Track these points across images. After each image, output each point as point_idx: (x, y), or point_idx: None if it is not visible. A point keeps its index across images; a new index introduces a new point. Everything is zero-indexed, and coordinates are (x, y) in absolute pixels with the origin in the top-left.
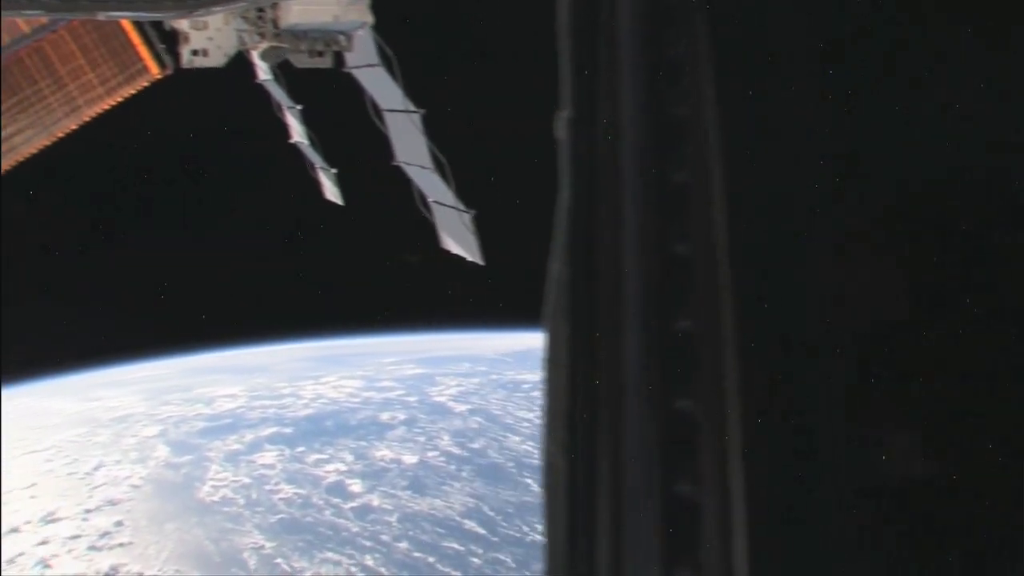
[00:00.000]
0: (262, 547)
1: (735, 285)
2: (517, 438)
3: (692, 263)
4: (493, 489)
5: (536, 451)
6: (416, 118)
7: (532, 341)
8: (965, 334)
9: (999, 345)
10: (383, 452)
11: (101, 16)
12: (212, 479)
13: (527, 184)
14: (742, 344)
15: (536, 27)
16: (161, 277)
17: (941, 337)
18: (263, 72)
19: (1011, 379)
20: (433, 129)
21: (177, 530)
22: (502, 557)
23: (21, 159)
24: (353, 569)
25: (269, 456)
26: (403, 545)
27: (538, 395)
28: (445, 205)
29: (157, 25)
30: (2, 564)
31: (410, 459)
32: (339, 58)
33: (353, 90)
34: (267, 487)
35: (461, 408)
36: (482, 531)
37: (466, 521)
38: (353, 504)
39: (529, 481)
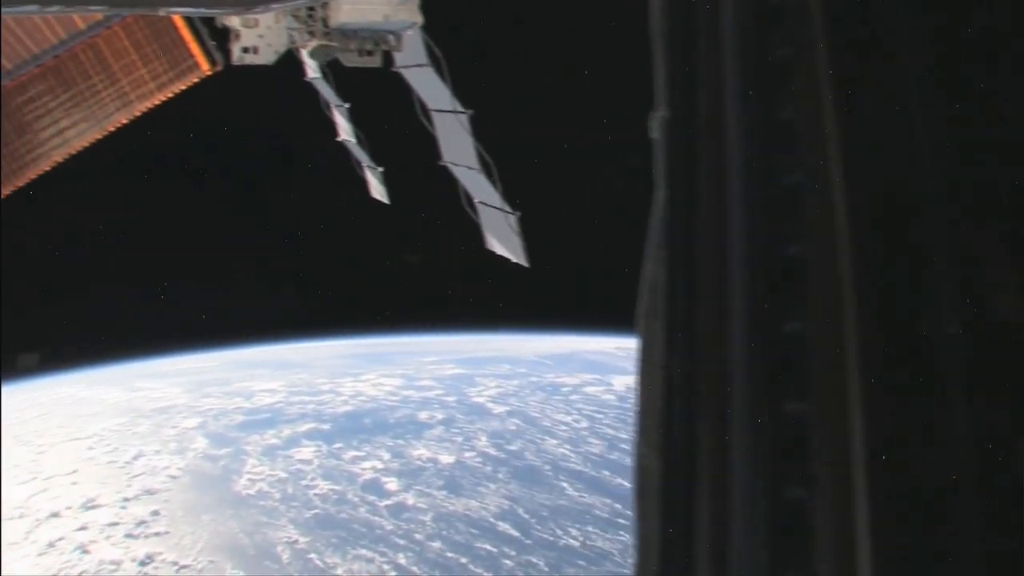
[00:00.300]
0: (296, 541)
1: (856, 286)
2: (554, 441)
3: (806, 264)
4: (528, 492)
5: (573, 455)
6: (464, 119)
7: (573, 344)
8: None
9: None
10: (420, 451)
11: (162, 11)
12: (249, 472)
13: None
14: (863, 346)
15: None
16: (204, 271)
17: None
18: (312, 70)
19: None
20: (481, 130)
21: (212, 521)
22: (535, 560)
23: (73, 152)
24: (385, 567)
25: (306, 451)
26: (436, 545)
27: (577, 399)
28: (491, 206)
29: (208, 22)
30: (2, 563)
31: (447, 459)
32: (388, 57)
33: (401, 89)
34: (303, 482)
35: (499, 409)
36: (516, 533)
37: (500, 523)
38: (388, 502)
39: (565, 485)
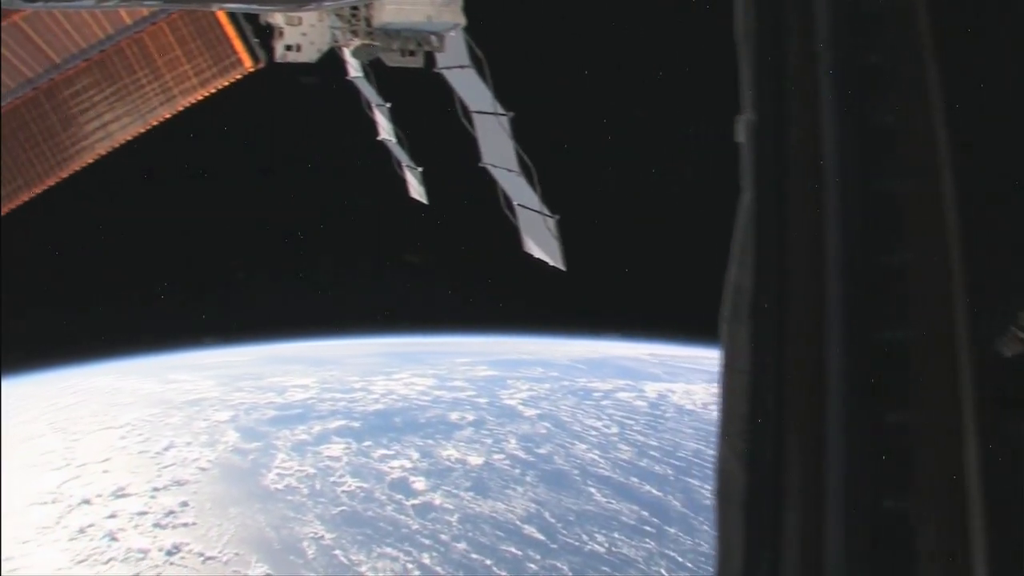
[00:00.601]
0: (321, 537)
1: (968, 294)
2: (584, 446)
3: (907, 272)
4: (556, 496)
5: (601, 460)
6: (504, 121)
7: (606, 349)
8: None
9: None
10: (449, 452)
11: (214, 7)
12: (278, 467)
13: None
14: (975, 355)
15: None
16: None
17: None
18: (354, 69)
19: None
20: (522, 132)
21: (240, 515)
22: (559, 565)
23: (116, 145)
24: (410, 566)
25: (336, 448)
26: (461, 546)
27: (608, 404)
28: (530, 209)
29: (252, 19)
30: (2, 562)
31: (475, 460)
32: (430, 58)
33: (443, 90)
34: (331, 479)
35: (530, 412)
36: (541, 537)
37: (526, 526)
38: (415, 501)
39: (592, 490)
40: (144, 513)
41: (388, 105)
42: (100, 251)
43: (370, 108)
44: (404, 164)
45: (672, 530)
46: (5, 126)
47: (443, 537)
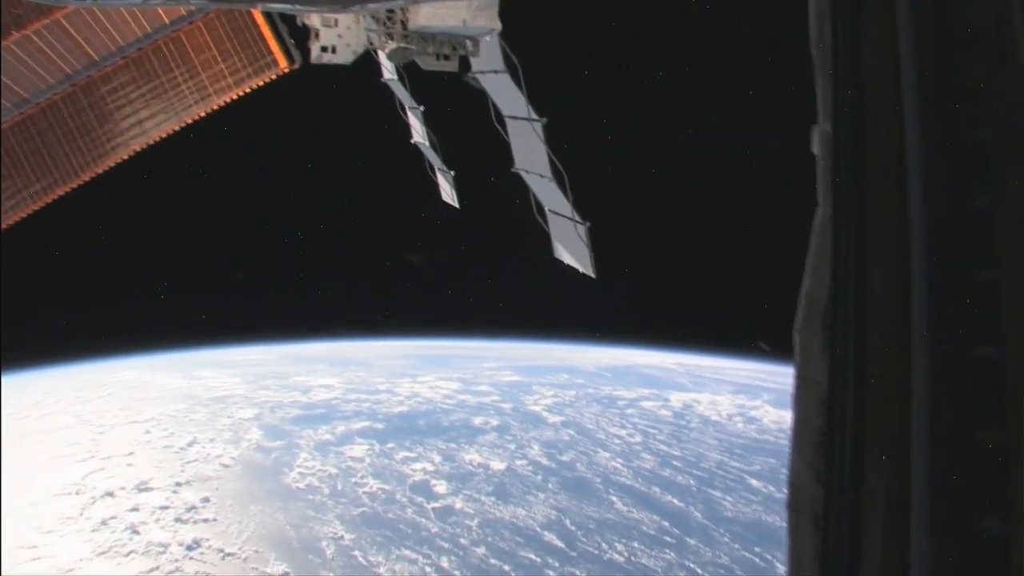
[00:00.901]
0: (341, 538)
1: None
2: (607, 454)
3: (998, 287)
4: (577, 503)
5: (624, 469)
6: (538, 126)
7: (633, 357)
8: None
9: None
10: (472, 456)
11: (259, 7)
12: (300, 466)
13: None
14: None
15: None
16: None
17: None
18: (388, 71)
19: None
20: (554, 137)
21: (260, 512)
22: (578, 573)
23: (151, 142)
24: (428, 569)
25: (358, 449)
26: (480, 550)
27: (633, 413)
28: (561, 215)
29: (289, 20)
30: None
31: (498, 465)
32: (465, 62)
33: (476, 94)
34: (353, 479)
35: (554, 419)
36: (561, 544)
37: (546, 533)
38: (436, 504)
39: (614, 498)
40: (166, 507)
41: (422, 108)
42: (134, 247)
43: (404, 111)
44: (437, 167)
45: (692, 541)
46: (41, 122)
47: (462, 541)
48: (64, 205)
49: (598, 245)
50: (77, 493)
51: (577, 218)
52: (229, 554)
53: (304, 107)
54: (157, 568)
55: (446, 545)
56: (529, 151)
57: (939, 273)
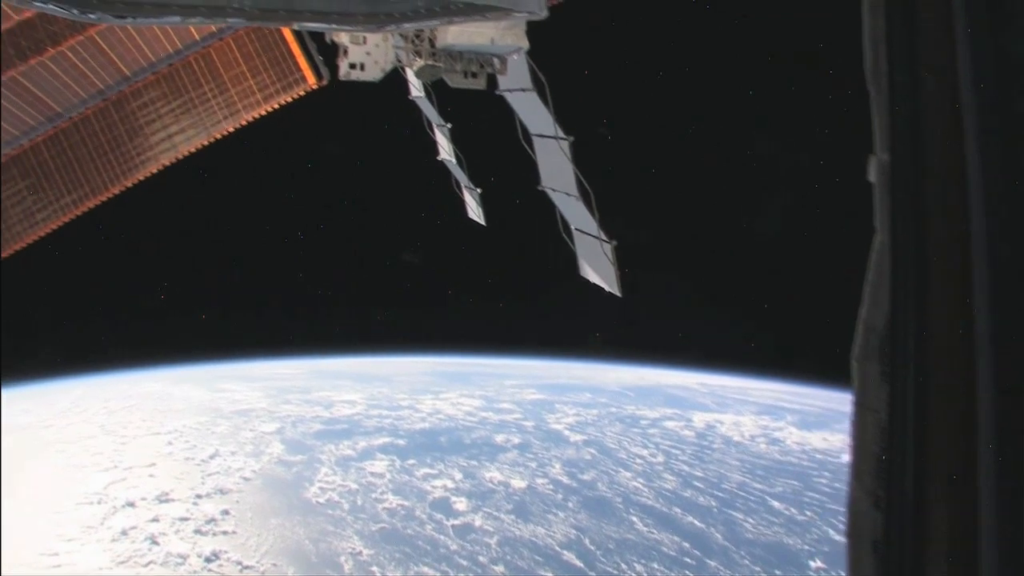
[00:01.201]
0: (359, 553)
1: None
2: (628, 474)
3: None
4: (597, 523)
5: (645, 489)
6: (565, 144)
7: (656, 377)
8: None
9: None
10: (493, 474)
11: (295, 26)
12: (321, 481)
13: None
14: None
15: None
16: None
17: None
18: (416, 89)
19: None
20: (581, 156)
21: (280, 526)
22: None
23: (180, 156)
24: None
25: (379, 465)
26: (499, 569)
27: (655, 432)
28: (587, 234)
29: (318, 37)
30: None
31: (518, 483)
32: (492, 80)
33: (503, 112)
34: (373, 495)
35: (576, 438)
36: (579, 564)
37: (565, 552)
38: (455, 522)
39: (634, 519)
40: (186, 519)
41: (449, 126)
42: (161, 261)
43: (431, 128)
44: (463, 185)
45: (712, 563)
46: (73, 135)
47: (481, 559)
48: (96, 217)
49: (626, 263)
50: (99, 502)
51: (603, 236)
52: (247, 567)
53: (332, 123)
54: None
55: (465, 563)
56: (555, 169)
57: (1003, 303)
